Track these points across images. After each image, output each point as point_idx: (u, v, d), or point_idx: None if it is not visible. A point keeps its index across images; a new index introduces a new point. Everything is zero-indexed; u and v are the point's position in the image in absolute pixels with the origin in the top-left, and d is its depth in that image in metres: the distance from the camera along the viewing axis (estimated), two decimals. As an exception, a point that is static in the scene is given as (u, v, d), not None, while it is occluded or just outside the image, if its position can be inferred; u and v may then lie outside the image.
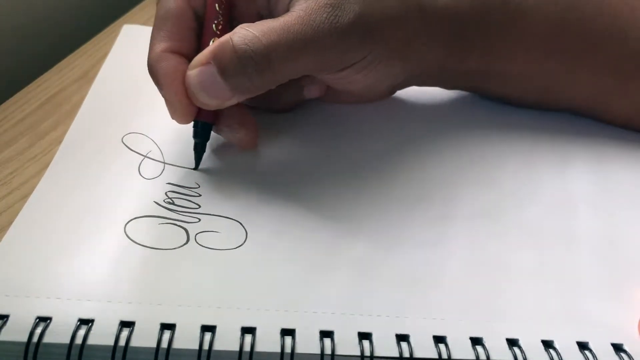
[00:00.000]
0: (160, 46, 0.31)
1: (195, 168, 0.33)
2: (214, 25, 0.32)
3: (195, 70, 0.30)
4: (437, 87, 0.38)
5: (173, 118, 0.31)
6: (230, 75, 0.29)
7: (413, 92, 0.39)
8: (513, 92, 0.37)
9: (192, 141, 0.33)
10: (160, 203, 0.30)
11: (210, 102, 0.30)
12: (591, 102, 0.37)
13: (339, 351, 0.25)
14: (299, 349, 0.25)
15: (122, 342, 0.24)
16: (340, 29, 0.29)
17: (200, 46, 0.32)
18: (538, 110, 0.38)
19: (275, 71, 0.29)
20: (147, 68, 0.31)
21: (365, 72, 0.32)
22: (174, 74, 0.30)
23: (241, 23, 0.30)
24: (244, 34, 0.29)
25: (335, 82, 0.33)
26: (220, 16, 0.32)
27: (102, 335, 0.24)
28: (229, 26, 0.32)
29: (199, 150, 0.33)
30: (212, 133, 0.33)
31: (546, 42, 0.35)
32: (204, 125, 0.32)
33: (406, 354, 0.25)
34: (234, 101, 0.30)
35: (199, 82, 0.30)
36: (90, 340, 0.24)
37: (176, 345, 0.24)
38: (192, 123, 0.32)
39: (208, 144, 0.33)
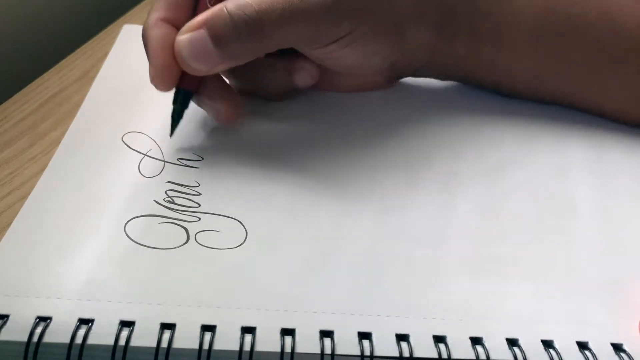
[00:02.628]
0: (156, 15, 0.33)
1: (170, 135, 0.33)
2: (207, 1, 0.33)
3: (186, 35, 0.31)
4: (431, 79, 0.39)
5: (153, 83, 0.32)
6: (222, 40, 0.30)
7: (409, 83, 0.39)
8: (504, 78, 0.38)
9: (192, 139, 0.33)
10: (160, 202, 0.30)
11: (199, 67, 0.31)
12: (584, 88, 0.37)
13: (339, 351, 0.25)
14: (299, 349, 0.25)
15: (122, 342, 0.24)
16: (327, 3, 0.31)
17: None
18: (533, 102, 0.38)
19: (266, 36, 0.31)
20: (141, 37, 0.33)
21: (353, 46, 0.33)
22: (164, 41, 0.32)
23: None
24: (237, 1, 0.30)
25: (324, 58, 0.34)
26: None
27: (102, 335, 0.24)
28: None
29: (176, 117, 0.33)
30: (213, 127, 0.33)
31: (532, 25, 0.35)
32: (185, 93, 0.33)
33: (406, 354, 0.25)
34: (222, 67, 0.32)
35: (189, 47, 0.31)
36: (90, 340, 0.24)
37: (176, 345, 0.24)
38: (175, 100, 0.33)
39: (209, 143, 0.33)
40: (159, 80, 0.32)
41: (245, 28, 0.30)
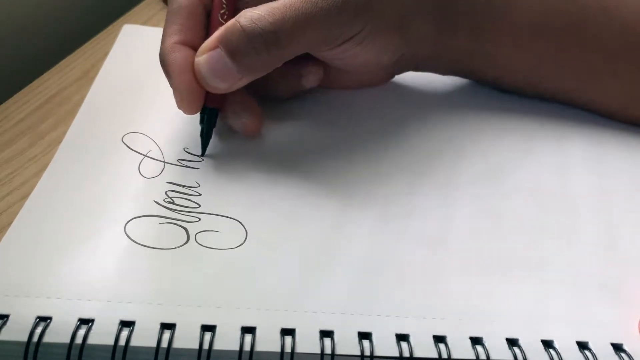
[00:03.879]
0: (172, 39, 0.32)
1: (202, 155, 0.33)
2: (219, 16, 0.33)
3: (204, 55, 0.31)
4: (433, 74, 0.39)
5: (180, 108, 0.32)
6: (239, 55, 0.30)
7: (410, 79, 0.40)
8: (504, 73, 0.38)
9: (192, 139, 0.33)
10: (160, 202, 0.30)
11: (219, 86, 0.31)
12: (582, 84, 0.37)
13: (339, 351, 0.25)
14: (299, 349, 0.25)
15: (122, 342, 0.24)
16: (338, 4, 0.31)
17: (207, 37, 0.32)
18: (532, 98, 0.39)
19: (283, 47, 0.31)
20: (158, 60, 0.33)
21: (364, 44, 0.33)
22: (184, 65, 0.32)
23: None
24: (250, 15, 0.30)
25: (335, 58, 0.34)
26: (225, 7, 0.33)
27: (102, 335, 0.24)
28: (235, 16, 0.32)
29: (205, 136, 0.33)
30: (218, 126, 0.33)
31: (531, 20, 0.36)
32: (211, 111, 0.33)
33: (406, 354, 0.25)
34: (242, 83, 0.32)
35: (208, 67, 0.31)
36: (90, 340, 0.24)
37: (176, 345, 0.24)
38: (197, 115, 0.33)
39: (209, 143, 0.34)
40: (185, 105, 0.32)
41: (260, 41, 0.30)
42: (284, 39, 0.30)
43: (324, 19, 0.31)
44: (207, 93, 0.32)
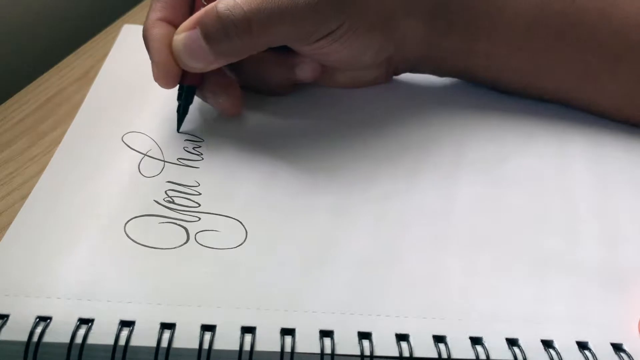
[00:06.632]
0: (155, 15, 0.34)
1: (178, 130, 0.34)
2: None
3: (182, 35, 0.32)
4: (430, 76, 0.39)
5: (157, 81, 0.33)
6: (213, 39, 0.31)
7: (410, 79, 0.40)
8: (499, 74, 0.38)
9: (191, 138, 0.33)
10: (160, 202, 0.30)
11: (194, 65, 0.32)
12: (579, 85, 0.37)
13: (339, 351, 0.25)
14: (299, 349, 0.25)
15: (122, 342, 0.24)
16: (314, 1, 0.31)
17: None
18: (531, 99, 0.38)
19: (255, 36, 0.31)
20: (142, 37, 0.34)
21: (341, 42, 0.33)
22: (164, 40, 0.33)
23: None
24: (227, 1, 0.31)
25: (314, 53, 0.35)
26: None
27: (102, 335, 0.24)
28: None
29: (181, 112, 0.34)
30: (215, 127, 0.34)
31: (527, 20, 0.35)
32: (188, 88, 0.34)
33: (406, 354, 0.25)
34: (216, 65, 0.33)
35: (184, 46, 0.32)
36: (90, 340, 0.24)
37: (176, 344, 0.24)
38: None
39: (209, 142, 0.34)
40: (162, 78, 0.33)
41: (233, 28, 0.31)
42: (255, 29, 0.31)
43: (299, 15, 0.31)
44: (185, 70, 0.33)
